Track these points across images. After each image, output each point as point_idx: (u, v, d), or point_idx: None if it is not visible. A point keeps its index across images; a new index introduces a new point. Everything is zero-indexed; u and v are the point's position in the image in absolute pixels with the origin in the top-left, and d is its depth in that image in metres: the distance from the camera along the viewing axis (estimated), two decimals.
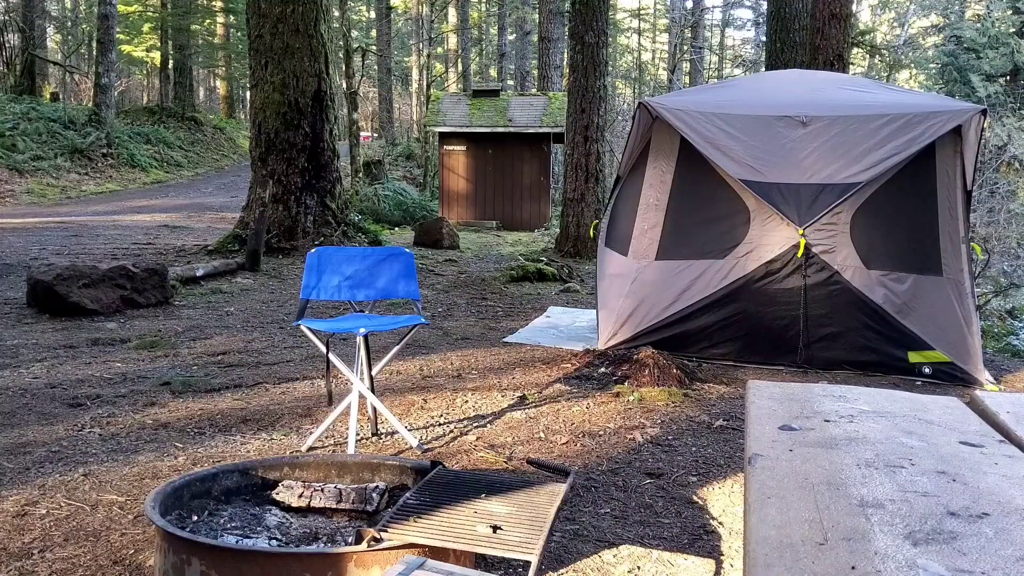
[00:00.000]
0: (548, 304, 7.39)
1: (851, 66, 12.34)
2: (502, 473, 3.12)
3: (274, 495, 2.30)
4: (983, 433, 1.66)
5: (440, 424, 3.77)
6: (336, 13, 17.13)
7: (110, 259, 7.59)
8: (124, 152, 17.70)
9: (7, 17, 20.63)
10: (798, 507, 1.22)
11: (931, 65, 19.23)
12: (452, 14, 28.29)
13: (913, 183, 4.84)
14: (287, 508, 2.26)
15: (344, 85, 17.44)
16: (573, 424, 3.82)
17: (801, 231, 4.82)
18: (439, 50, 32.26)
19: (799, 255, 4.87)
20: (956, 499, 1.26)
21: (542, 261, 9.58)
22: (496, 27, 33.09)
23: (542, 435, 3.64)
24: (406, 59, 34.37)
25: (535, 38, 24.67)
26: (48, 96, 20.18)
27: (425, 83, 25.46)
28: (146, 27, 23.99)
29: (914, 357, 4.81)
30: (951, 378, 4.72)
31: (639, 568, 2.49)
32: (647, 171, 5.31)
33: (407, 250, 3.91)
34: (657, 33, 35.46)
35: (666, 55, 31.20)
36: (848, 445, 1.52)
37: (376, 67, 28.68)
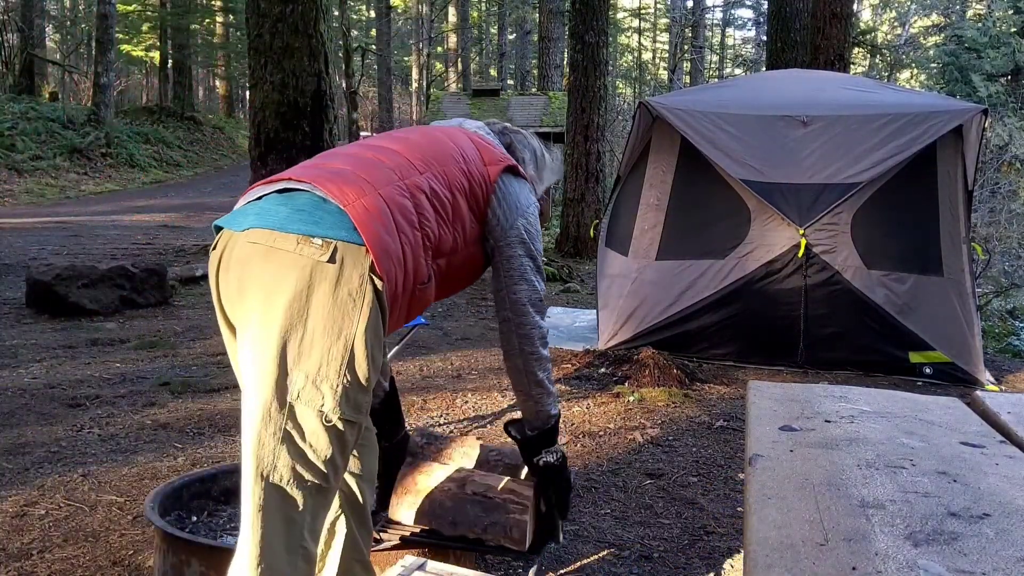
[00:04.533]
0: (548, 304, 7.39)
1: (852, 66, 12.34)
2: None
3: None
4: (984, 434, 1.65)
5: (440, 424, 3.77)
6: (336, 13, 17.13)
7: (109, 259, 7.59)
8: (123, 152, 17.68)
9: (6, 16, 20.63)
10: (798, 508, 1.22)
11: (932, 65, 19.23)
12: (452, 13, 28.29)
13: (914, 183, 4.83)
14: None
15: (344, 85, 17.44)
16: (573, 424, 3.82)
17: (802, 231, 4.82)
18: (439, 49, 32.26)
19: (800, 255, 4.87)
20: (957, 500, 1.26)
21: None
22: (496, 26, 33.10)
23: None
24: (406, 59, 34.38)
25: (535, 37, 24.66)
26: (47, 96, 20.16)
27: (425, 82, 25.48)
28: (145, 26, 23.96)
29: (915, 357, 4.80)
30: (952, 378, 4.72)
31: (639, 569, 2.49)
32: (647, 171, 5.31)
33: None
34: (657, 32, 35.44)
35: (667, 55, 31.19)
36: (849, 446, 1.52)
37: (376, 67, 28.68)
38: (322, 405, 1.38)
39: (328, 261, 1.35)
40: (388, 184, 1.48)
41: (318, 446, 1.39)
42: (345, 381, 1.38)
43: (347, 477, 1.64)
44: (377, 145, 1.62)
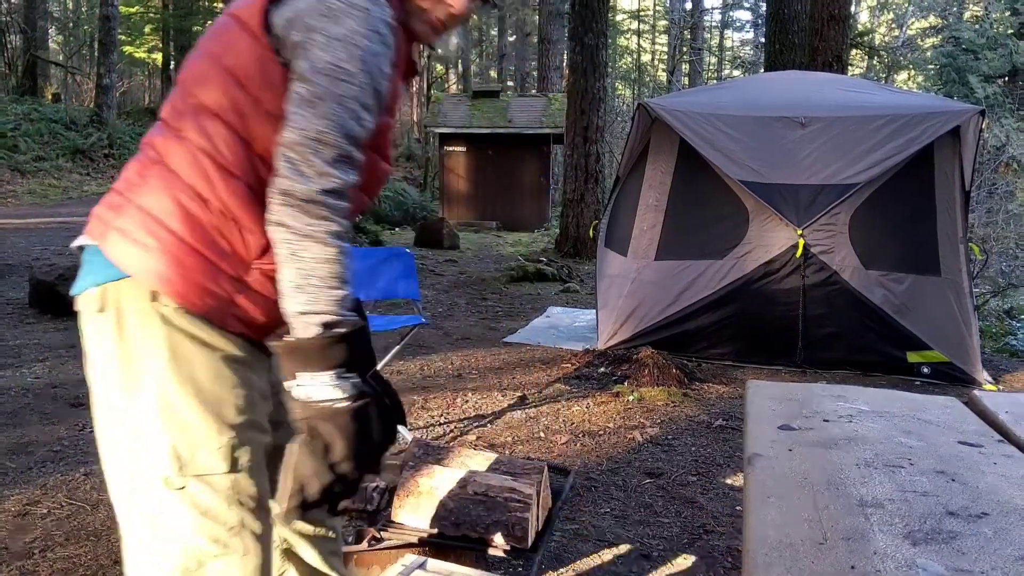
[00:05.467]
0: (548, 304, 7.40)
1: (850, 67, 12.35)
2: None
3: None
4: (982, 433, 1.66)
5: (440, 424, 3.78)
6: None
7: None
8: (126, 153, 17.69)
9: (9, 18, 20.64)
10: (797, 507, 1.23)
11: (929, 66, 19.25)
12: None
13: (911, 184, 4.85)
14: None
15: None
16: (573, 424, 3.83)
17: (800, 231, 4.83)
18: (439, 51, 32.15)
19: (798, 255, 4.88)
20: (955, 499, 1.27)
21: (542, 261, 9.59)
22: (496, 28, 33.09)
23: (542, 435, 3.64)
24: None
25: (535, 39, 24.68)
26: (50, 97, 20.20)
27: (425, 84, 25.45)
28: (148, 28, 24.00)
29: (913, 357, 4.82)
30: (950, 378, 4.73)
31: (639, 568, 2.50)
32: (646, 172, 5.33)
33: (407, 250, 3.93)
34: (656, 34, 35.43)
35: (665, 56, 31.20)
36: (847, 445, 1.53)
37: None
38: (156, 470, 1.15)
39: (99, 311, 1.20)
40: (149, 178, 1.21)
41: (169, 518, 1.16)
42: (170, 433, 1.15)
43: (279, 530, 1.43)
44: (158, 119, 1.30)
